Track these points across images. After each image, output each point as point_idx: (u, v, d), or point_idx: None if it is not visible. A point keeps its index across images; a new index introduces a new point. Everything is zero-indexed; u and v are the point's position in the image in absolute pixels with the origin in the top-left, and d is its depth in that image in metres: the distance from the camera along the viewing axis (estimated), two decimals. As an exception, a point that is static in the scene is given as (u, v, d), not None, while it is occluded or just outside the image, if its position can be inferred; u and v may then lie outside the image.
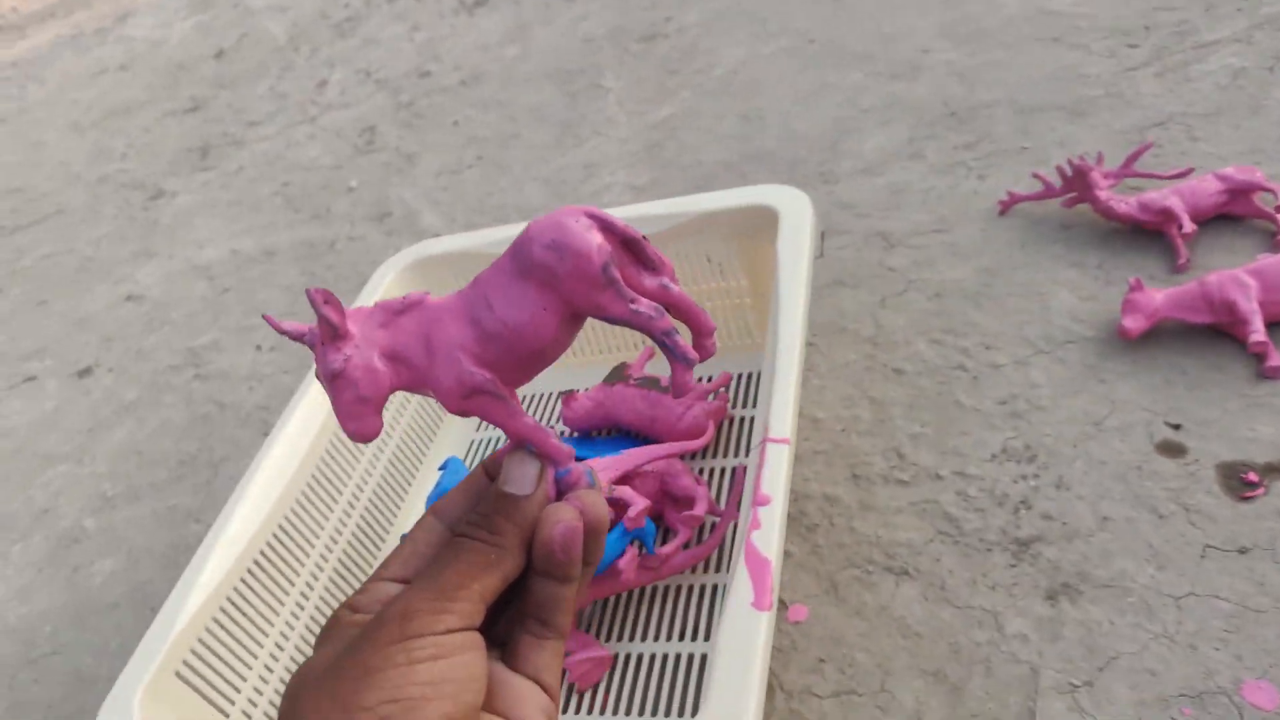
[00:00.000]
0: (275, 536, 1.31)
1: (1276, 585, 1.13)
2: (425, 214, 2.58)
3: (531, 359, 0.49)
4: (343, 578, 1.41)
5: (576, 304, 0.47)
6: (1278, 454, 1.26)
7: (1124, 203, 1.63)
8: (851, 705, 1.16)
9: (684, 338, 0.51)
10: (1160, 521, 1.23)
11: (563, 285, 0.46)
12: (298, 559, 1.34)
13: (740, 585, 0.94)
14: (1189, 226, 1.54)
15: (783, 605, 1.29)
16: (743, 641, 0.88)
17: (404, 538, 0.52)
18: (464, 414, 0.48)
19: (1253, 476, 1.24)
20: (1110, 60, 2.11)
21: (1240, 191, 1.58)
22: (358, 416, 0.47)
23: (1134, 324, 1.43)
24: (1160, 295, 1.44)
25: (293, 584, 1.32)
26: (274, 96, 3.80)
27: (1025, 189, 1.79)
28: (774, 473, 1.03)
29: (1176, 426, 1.33)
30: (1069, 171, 1.68)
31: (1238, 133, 1.79)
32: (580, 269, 0.46)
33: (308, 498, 1.38)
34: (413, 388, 0.49)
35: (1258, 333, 1.33)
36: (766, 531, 0.98)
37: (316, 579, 1.37)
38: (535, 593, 0.50)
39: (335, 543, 1.42)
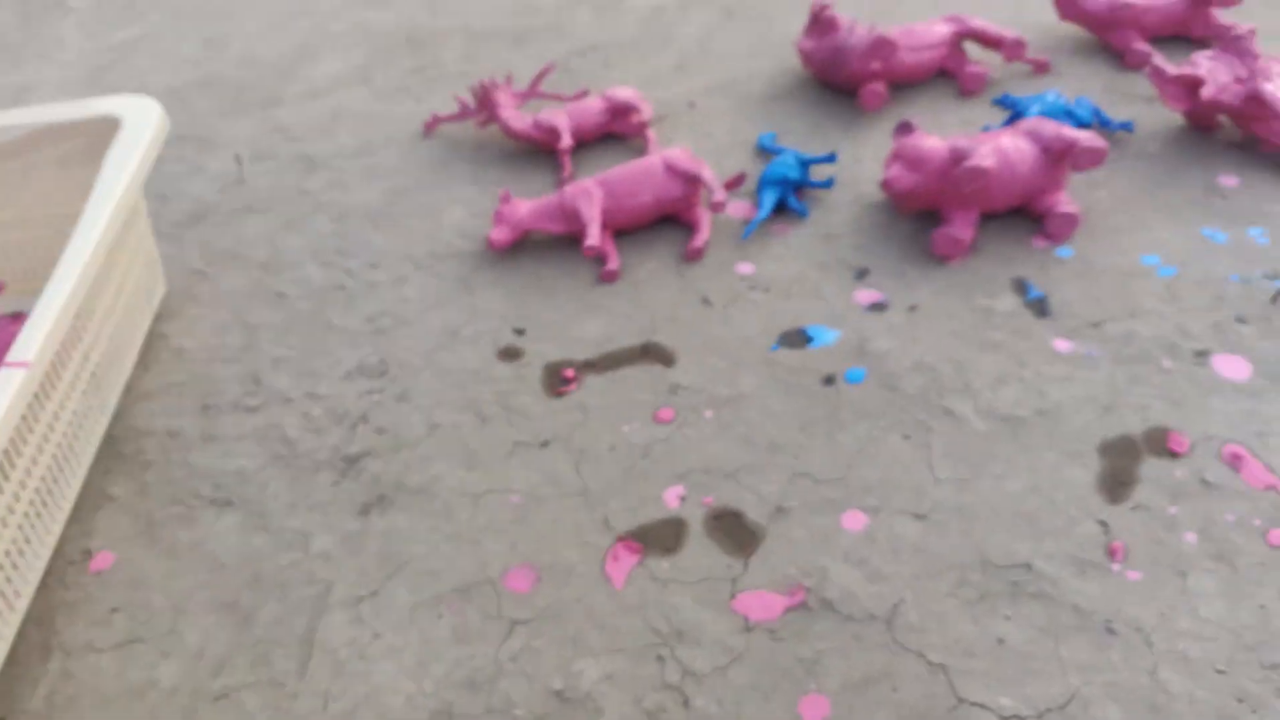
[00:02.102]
0: None
1: (561, 474, 1.16)
2: None
3: None
4: None
5: None
6: (596, 350, 1.31)
7: (521, 120, 1.64)
8: (133, 655, 1.07)
9: None
10: (482, 424, 1.24)
11: None
12: None
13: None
14: (566, 141, 1.58)
15: (87, 555, 1.17)
16: None
17: None
18: None
19: (569, 373, 1.28)
20: (560, -8, 2.15)
21: (619, 111, 1.64)
22: None
23: (500, 235, 1.44)
24: (525, 207, 1.46)
25: None
26: None
27: (451, 111, 1.77)
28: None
29: (521, 331, 1.35)
30: (480, 93, 1.67)
31: (644, 63, 1.88)
32: None
33: None
34: None
35: (592, 237, 1.38)
36: None
37: None
38: None
39: None
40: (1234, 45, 1.43)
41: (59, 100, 2.10)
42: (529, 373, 1.32)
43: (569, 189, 1.46)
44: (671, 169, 1.44)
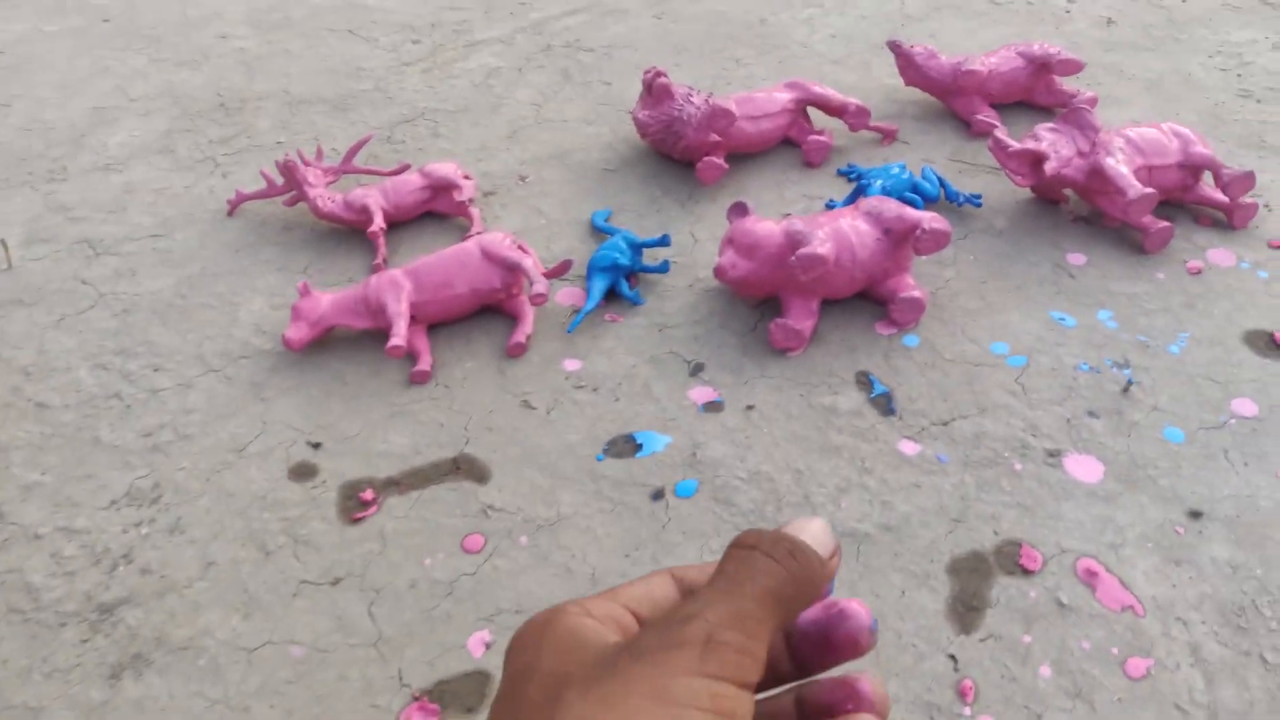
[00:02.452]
0: None
1: (352, 619, 1.01)
2: None
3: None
4: None
5: None
6: (401, 465, 1.16)
7: (331, 200, 1.49)
8: None
9: None
10: (265, 560, 1.08)
11: None
12: None
13: None
14: (377, 223, 1.44)
15: None
16: None
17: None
18: None
19: (368, 495, 1.12)
20: (391, 55, 2.01)
21: (439, 188, 1.50)
22: None
23: (296, 334, 1.28)
24: (327, 301, 1.30)
25: None
26: None
27: (259, 188, 1.60)
28: None
29: (317, 445, 1.20)
30: (286, 170, 1.52)
31: (475, 129, 1.75)
32: None
33: None
34: None
35: (397, 336, 1.23)
36: None
37: None
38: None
39: None
40: (1075, 117, 1.38)
41: None
42: (323, 495, 1.15)
43: (374, 280, 1.32)
44: (489, 256, 1.31)
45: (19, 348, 1.41)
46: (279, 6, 2.26)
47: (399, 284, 1.30)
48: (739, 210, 1.27)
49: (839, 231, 1.21)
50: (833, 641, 0.44)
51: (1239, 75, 1.70)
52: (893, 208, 1.24)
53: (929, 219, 1.22)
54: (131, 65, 2.11)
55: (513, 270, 1.31)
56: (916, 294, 1.24)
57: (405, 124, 1.78)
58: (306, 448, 1.21)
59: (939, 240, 1.21)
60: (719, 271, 1.21)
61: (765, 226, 1.22)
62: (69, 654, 1.03)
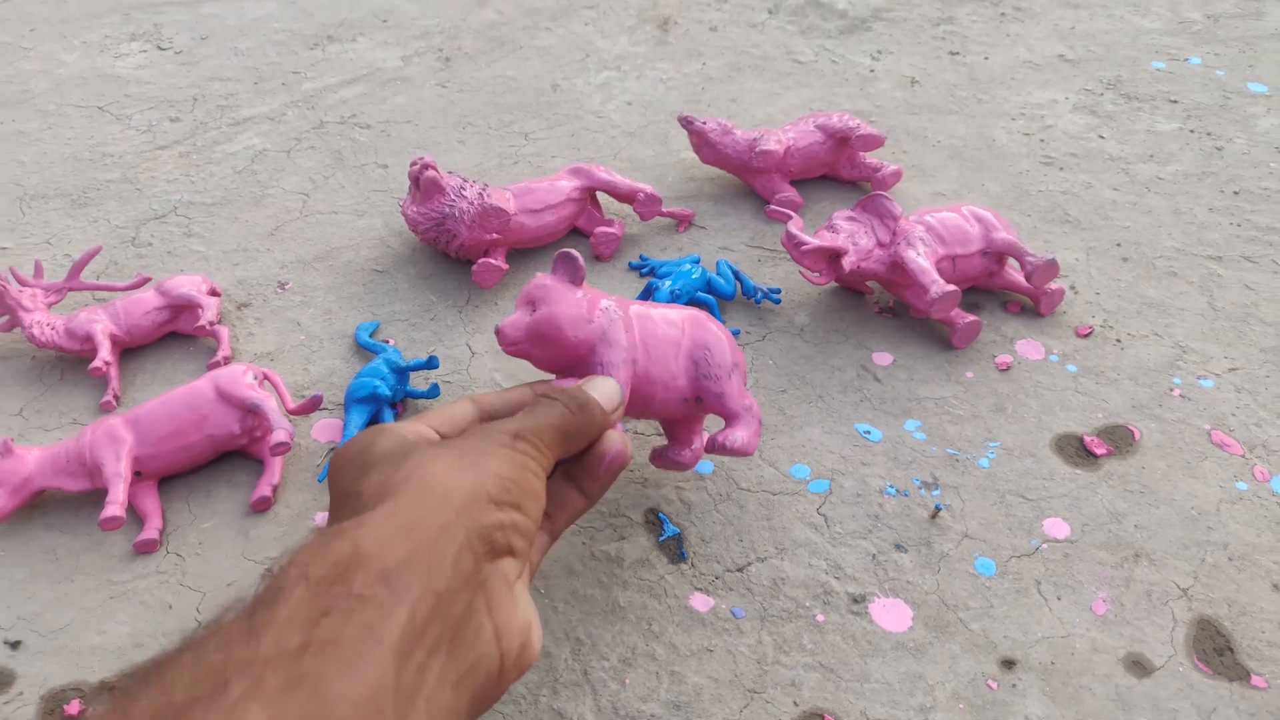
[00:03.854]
0: None
1: None
2: None
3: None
4: None
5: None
6: (118, 662, 0.98)
7: (50, 328, 1.29)
8: None
9: None
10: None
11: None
12: None
13: None
14: (102, 357, 1.24)
15: None
16: None
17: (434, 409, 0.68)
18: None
19: (74, 706, 0.93)
20: (144, 137, 1.80)
21: (181, 307, 1.32)
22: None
23: (4, 501, 1.07)
24: (34, 460, 1.10)
25: None
26: None
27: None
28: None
29: (16, 645, 1.00)
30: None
31: (234, 225, 1.56)
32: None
33: None
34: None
35: (112, 505, 1.04)
36: None
37: None
38: (558, 495, 0.68)
39: None
40: (874, 205, 1.29)
41: None
42: (19, 711, 0.95)
43: (90, 433, 1.12)
44: (225, 396, 1.13)
45: None
46: (18, 79, 2.02)
47: (118, 437, 1.11)
48: (565, 265, 0.84)
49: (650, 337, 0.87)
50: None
51: (1042, 140, 1.66)
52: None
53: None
54: None
55: (253, 412, 1.13)
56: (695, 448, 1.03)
57: (155, 221, 1.58)
58: (3, 648, 1.01)
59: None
60: (498, 332, 0.83)
61: (573, 302, 0.82)
62: None
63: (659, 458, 1.01)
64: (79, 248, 1.54)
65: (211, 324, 1.30)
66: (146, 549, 1.08)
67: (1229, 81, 1.79)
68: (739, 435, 0.89)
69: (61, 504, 1.15)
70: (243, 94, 1.91)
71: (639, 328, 0.82)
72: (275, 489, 1.12)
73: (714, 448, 0.90)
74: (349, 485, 0.56)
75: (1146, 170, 1.58)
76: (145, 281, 1.39)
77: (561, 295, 0.80)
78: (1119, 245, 1.43)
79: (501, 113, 1.83)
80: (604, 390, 0.69)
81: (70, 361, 1.34)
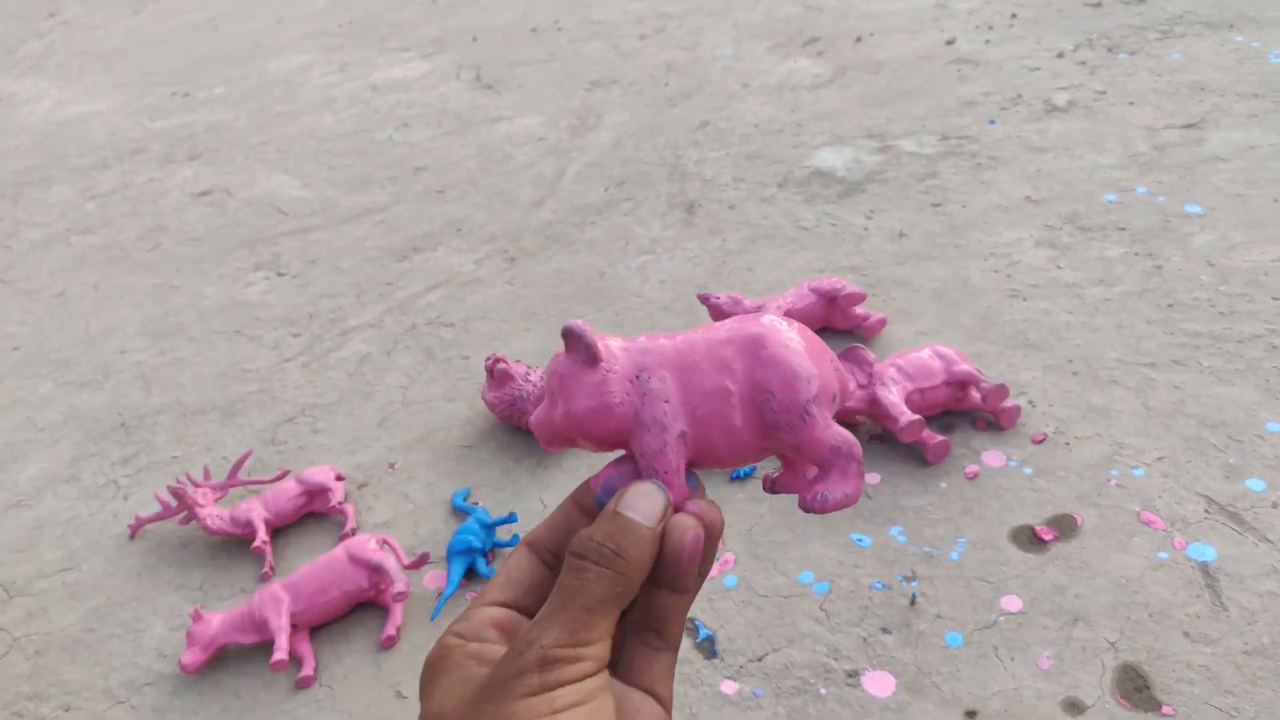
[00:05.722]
0: None
1: None
2: None
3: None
4: None
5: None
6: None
7: (219, 518, 1.66)
8: None
9: None
10: None
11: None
12: None
13: None
14: (260, 538, 1.60)
15: None
16: None
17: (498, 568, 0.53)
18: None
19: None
20: (273, 352, 2.22)
21: (314, 493, 1.68)
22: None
23: (191, 659, 1.43)
24: (216, 622, 1.45)
25: None
26: None
27: (155, 510, 1.77)
28: None
29: (216, 765, 1.31)
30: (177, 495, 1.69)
31: (349, 421, 1.94)
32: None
33: None
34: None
35: (279, 650, 1.38)
36: None
37: None
38: (653, 605, 0.50)
39: None
40: (853, 355, 1.61)
41: None
42: (220, 815, 1.28)
43: (257, 597, 1.47)
44: (355, 560, 1.47)
45: (-61, 707, 1.53)
46: (171, 313, 2.48)
47: (279, 598, 1.46)
48: (573, 344, 0.59)
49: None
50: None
51: (1008, 275, 1.96)
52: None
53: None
54: (39, 393, 2.29)
55: (377, 571, 1.47)
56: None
57: (287, 423, 1.97)
58: (205, 770, 1.34)
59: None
60: (533, 430, 0.65)
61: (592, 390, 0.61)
62: None
63: (773, 485, 0.65)
64: (231, 451, 1.93)
65: (340, 504, 1.67)
66: (305, 684, 1.41)
67: (1169, 205, 2.08)
68: (832, 493, 0.61)
69: (241, 655, 1.49)
70: (348, 306, 2.34)
71: (679, 384, 0.62)
72: (399, 629, 1.45)
73: (806, 507, 0.62)
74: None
75: (1096, 293, 1.86)
76: (286, 474, 1.77)
77: (577, 387, 0.61)
78: (1070, 361, 1.71)
79: (559, 301, 2.21)
80: (642, 506, 0.51)
81: (234, 544, 1.71)
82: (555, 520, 0.54)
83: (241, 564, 1.67)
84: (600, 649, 0.46)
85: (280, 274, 2.57)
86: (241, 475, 1.79)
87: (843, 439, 0.54)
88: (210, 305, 2.50)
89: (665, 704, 0.50)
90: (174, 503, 1.74)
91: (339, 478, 1.73)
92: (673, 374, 0.57)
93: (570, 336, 0.56)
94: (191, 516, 1.71)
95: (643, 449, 0.55)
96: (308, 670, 1.41)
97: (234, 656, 1.49)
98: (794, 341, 0.53)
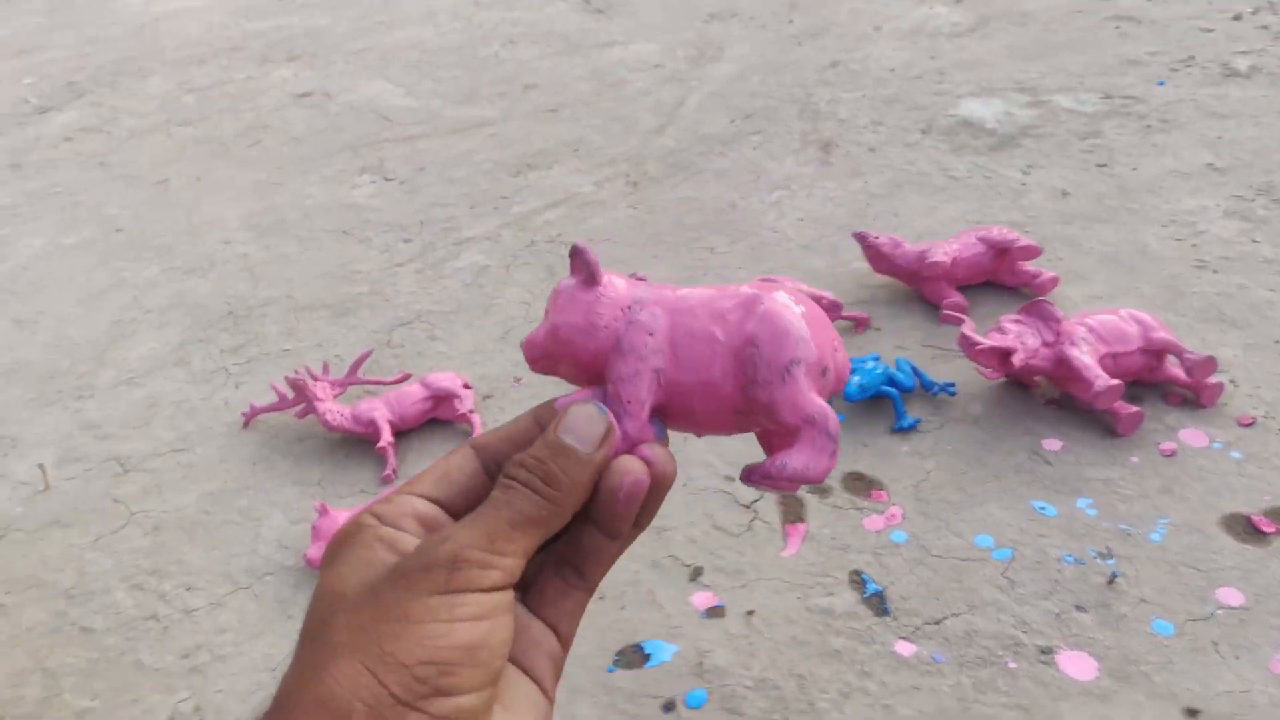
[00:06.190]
0: None
1: None
2: None
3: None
4: None
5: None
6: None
7: (340, 415, 1.57)
8: None
9: None
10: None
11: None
12: None
13: None
14: (386, 438, 1.52)
15: None
16: None
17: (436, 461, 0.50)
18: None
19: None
20: (384, 255, 2.12)
21: (440, 399, 1.59)
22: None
23: (318, 553, 1.34)
24: (343, 519, 1.36)
25: None
26: None
27: (272, 398, 1.68)
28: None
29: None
30: (296, 386, 1.61)
31: (469, 331, 1.84)
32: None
33: None
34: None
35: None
36: None
37: None
38: (581, 541, 0.48)
39: None
40: (1038, 310, 1.47)
41: None
42: None
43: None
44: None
45: (60, 570, 1.46)
46: (275, 209, 2.39)
47: (409, 504, 1.36)
48: (578, 263, 0.58)
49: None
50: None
51: (1194, 245, 1.81)
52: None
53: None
54: (145, 276, 2.22)
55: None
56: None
57: (402, 327, 1.88)
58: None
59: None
60: (522, 348, 0.65)
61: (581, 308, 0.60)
62: None
63: (750, 474, 0.60)
64: (343, 349, 1.84)
65: (469, 411, 1.57)
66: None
67: (1373, 186, 1.91)
68: (793, 461, 0.56)
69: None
70: (461, 217, 2.23)
71: (670, 323, 0.59)
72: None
73: (754, 476, 0.56)
74: (319, 589, 0.45)
75: (1299, 271, 1.71)
76: (407, 378, 1.67)
77: (568, 302, 0.60)
78: (1277, 342, 1.56)
79: (687, 230, 2.09)
80: (579, 429, 0.48)
81: (351, 443, 1.62)
82: (510, 432, 0.52)
83: (360, 464, 1.58)
84: (514, 564, 0.45)
85: (387, 179, 2.47)
86: (362, 375, 1.70)
87: (819, 410, 0.52)
88: (314, 205, 2.40)
89: (565, 642, 0.49)
90: (291, 394, 1.65)
91: (466, 386, 1.63)
92: (665, 314, 0.56)
93: (576, 256, 0.56)
94: (310, 410, 1.62)
95: (614, 374, 0.54)
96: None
97: (356, 561, 1.40)
98: (795, 307, 0.51)
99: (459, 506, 0.48)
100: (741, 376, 0.55)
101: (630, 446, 0.50)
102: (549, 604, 0.48)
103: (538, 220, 2.17)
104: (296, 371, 1.61)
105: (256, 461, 1.62)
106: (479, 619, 0.42)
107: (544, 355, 0.58)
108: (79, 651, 1.34)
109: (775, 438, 0.59)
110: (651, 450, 0.50)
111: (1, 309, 2.17)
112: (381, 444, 1.51)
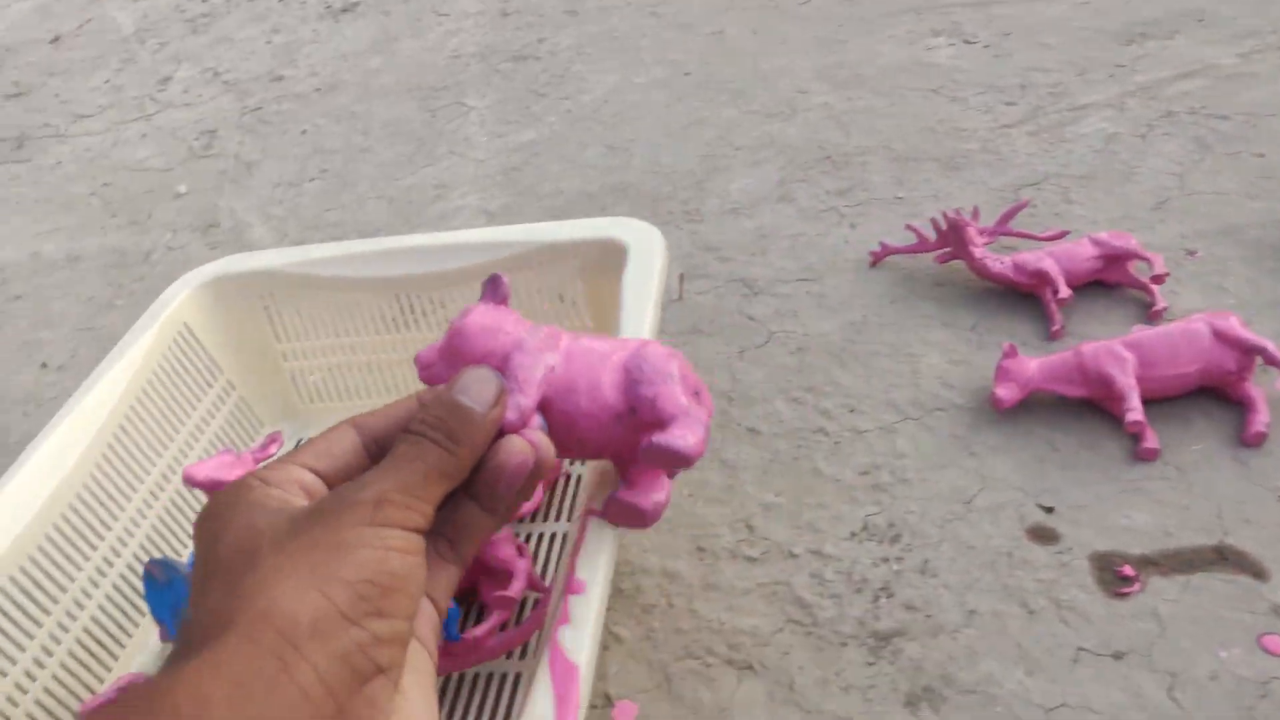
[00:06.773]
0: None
1: (1151, 698, 1.00)
2: (256, 227, 2.33)
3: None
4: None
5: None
6: (1152, 545, 1.14)
7: (999, 262, 1.52)
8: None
9: None
10: (1030, 618, 1.10)
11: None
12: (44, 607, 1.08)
13: (541, 694, 0.75)
14: (1064, 291, 1.45)
15: (608, 701, 1.10)
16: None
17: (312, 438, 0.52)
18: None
19: (1128, 570, 1.12)
20: (986, 116, 2.04)
21: (1115, 258, 1.49)
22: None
23: (1007, 394, 1.31)
24: (1034, 364, 1.33)
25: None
26: (109, 90, 3.46)
27: (898, 240, 1.67)
28: (594, 552, 0.83)
29: (1049, 510, 1.21)
30: (944, 225, 1.56)
31: (1110, 198, 1.72)
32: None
33: (55, 543, 1.12)
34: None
35: (1134, 411, 1.23)
36: (578, 628, 0.78)
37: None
38: (458, 515, 0.51)
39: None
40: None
41: (474, 195, 2.15)
42: (1073, 562, 1.16)
43: (1090, 349, 1.32)
44: (1222, 337, 1.27)
45: (715, 373, 1.54)
46: (846, 64, 2.36)
47: (1121, 355, 1.29)
48: (489, 287, 0.71)
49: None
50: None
51: None
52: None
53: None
54: (724, 116, 2.28)
55: (1249, 354, 1.26)
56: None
57: (1029, 187, 1.79)
58: (1037, 510, 1.23)
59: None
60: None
61: (488, 313, 0.69)
62: (858, 673, 1.09)
63: (609, 505, 0.74)
64: (960, 201, 1.79)
65: (1160, 277, 1.46)
66: (1148, 456, 1.25)
67: None
68: (671, 439, 0.64)
69: (1050, 407, 1.36)
70: (1069, 83, 2.09)
71: (569, 342, 0.69)
72: (1267, 426, 1.24)
73: (650, 452, 0.65)
74: (212, 542, 0.46)
75: None
76: (1064, 234, 1.59)
77: (480, 311, 0.68)
78: None
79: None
80: (475, 388, 0.51)
81: (1001, 294, 1.57)
82: (392, 411, 0.55)
83: (1015, 316, 1.52)
84: (428, 509, 0.48)
85: (968, 42, 2.36)
86: (1011, 226, 1.63)
87: (695, 405, 0.67)
88: (888, 63, 2.35)
89: (442, 615, 0.51)
90: (933, 236, 1.62)
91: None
92: (566, 335, 0.67)
93: (491, 281, 0.68)
94: (957, 254, 1.58)
95: (512, 362, 0.63)
96: (1152, 442, 1.25)
97: (1042, 408, 1.36)
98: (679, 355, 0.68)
99: (340, 481, 0.50)
100: (625, 380, 0.66)
101: (518, 427, 0.55)
102: (428, 576, 0.49)
103: (1170, 90, 1.98)
104: (955, 213, 1.58)
105: (894, 300, 1.61)
106: (406, 553, 0.45)
107: (440, 358, 0.66)
108: (749, 450, 1.40)
109: (634, 468, 0.71)
110: (536, 435, 0.55)
111: (595, 135, 2.32)
112: (1062, 293, 1.44)
